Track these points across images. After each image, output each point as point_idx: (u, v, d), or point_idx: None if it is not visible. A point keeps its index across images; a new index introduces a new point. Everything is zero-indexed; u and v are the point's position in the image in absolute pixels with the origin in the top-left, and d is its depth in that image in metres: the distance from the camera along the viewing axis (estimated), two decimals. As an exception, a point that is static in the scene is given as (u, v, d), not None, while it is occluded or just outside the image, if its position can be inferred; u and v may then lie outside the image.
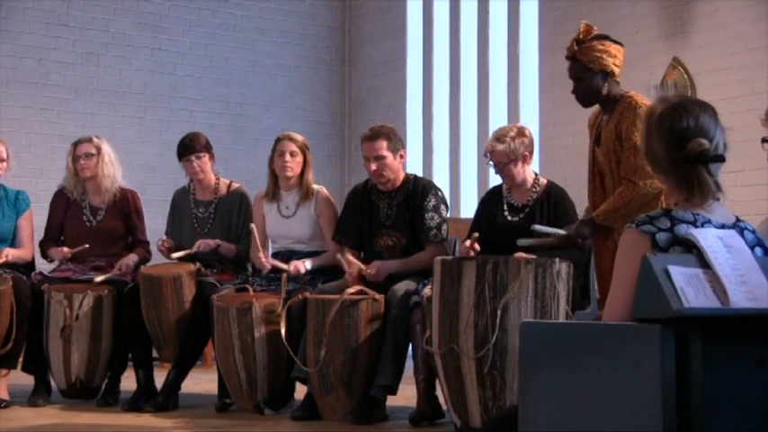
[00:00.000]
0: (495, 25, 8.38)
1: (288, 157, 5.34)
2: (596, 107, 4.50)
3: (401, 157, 5.14)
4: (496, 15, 8.38)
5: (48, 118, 8.10)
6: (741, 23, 6.68)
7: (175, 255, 5.47)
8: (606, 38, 4.36)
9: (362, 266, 4.97)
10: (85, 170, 5.65)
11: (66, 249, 5.59)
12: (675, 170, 2.50)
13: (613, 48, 4.34)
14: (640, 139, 4.13)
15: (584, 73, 4.32)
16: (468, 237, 4.93)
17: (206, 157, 5.61)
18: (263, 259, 5.27)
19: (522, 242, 4.44)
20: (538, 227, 4.48)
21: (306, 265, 5.24)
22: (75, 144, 5.72)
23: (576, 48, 4.33)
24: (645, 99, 4.28)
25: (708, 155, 2.47)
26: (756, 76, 6.54)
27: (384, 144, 5.05)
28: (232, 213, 5.64)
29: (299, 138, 5.42)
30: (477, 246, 4.68)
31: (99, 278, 5.47)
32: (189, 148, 5.60)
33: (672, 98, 2.59)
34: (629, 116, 4.23)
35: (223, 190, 5.70)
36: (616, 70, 4.33)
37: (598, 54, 4.30)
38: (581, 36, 4.33)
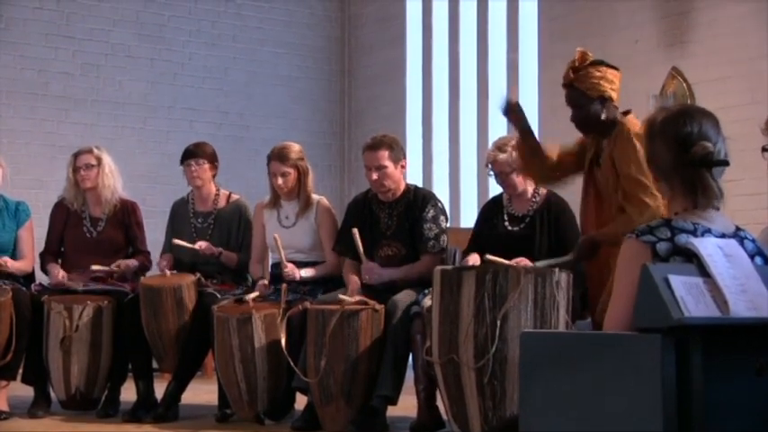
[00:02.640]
0: (495, 35, 8.39)
1: (280, 180, 5.33)
2: None
3: (402, 167, 5.14)
4: (496, 25, 8.39)
5: (48, 129, 8.11)
6: (740, 33, 6.69)
7: (177, 241, 5.51)
8: (602, 63, 4.38)
9: (363, 257, 4.96)
10: (86, 181, 5.65)
11: (61, 275, 5.57)
12: (680, 174, 2.51)
13: (610, 73, 4.35)
14: (641, 150, 4.17)
15: (582, 100, 4.34)
16: (468, 248, 4.95)
17: (206, 165, 5.62)
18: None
19: (539, 264, 4.40)
20: (541, 263, 4.43)
21: (301, 273, 5.23)
22: (76, 155, 5.72)
23: (572, 75, 4.34)
24: (637, 123, 4.28)
25: (712, 158, 2.49)
26: (756, 86, 6.54)
27: (386, 154, 5.06)
28: (231, 225, 5.65)
29: (291, 154, 5.33)
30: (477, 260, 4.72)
31: (96, 266, 5.47)
32: (191, 153, 5.63)
33: (674, 106, 2.61)
34: (620, 144, 4.24)
35: (222, 201, 5.71)
36: (614, 95, 4.35)
37: (595, 80, 4.32)
38: (577, 63, 4.35)
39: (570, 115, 4.42)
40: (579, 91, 4.33)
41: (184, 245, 5.51)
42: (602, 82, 4.31)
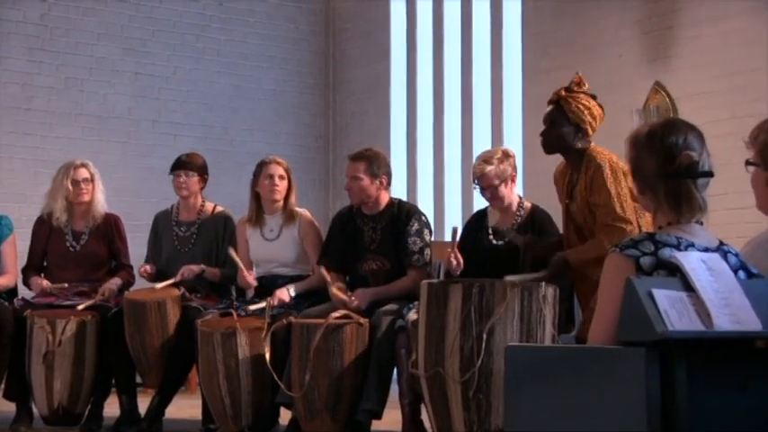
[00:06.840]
0: (479, 49, 8.42)
1: (276, 180, 5.37)
2: (562, 162, 4.56)
3: (381, 183, 5.15)
4: (480, 40, 8.42)
5: (31, 143, 8.07)
6: (722, 48, 6.74)
7: (160, 285, 5.45)
8: (594, 97, 4.44)
9: (346, 299, 4.96)
10: (84, 195, 5.64)
11: (45, 283, 5.55)
12: (665, 184, 2.52)
13: (597, 109, 4.42)
14: (611, 177, 4.26)
15: (559, 119, 4.39)
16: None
17: (195, 178, 5.63)
18: (249, 278, 5.27)
19: (509, 278, 4.41)
20: (513, 277, 4.36)
21: (290, 292, 5.23)
22: (74, 168, 5.66)
23: (563, 93, 4.38)
24: (605, 152, 4.37)
25: (697, 168, 2.50)
26: (738, 100, 6.58)
27: (362, 167, 5.11)
28: (217, 236, 5.64)
29: (284, 162, 5.47)
30: (459, 255, 4.72)
31: (82, 306, 5.43)
32: (182, 164, 5.63)
33: (658, 120, 2.63)
34: (590, 173, 4.32)
35: (207, 212, 5.71)
36: (590, 131, 4.41)
37: (581, 108, 4.38)
38: (573, 85, 4.39)
39: (541, 131, 4.47)
40: (562, 111, 4.39)
41: (168, 283, 5.45)
42: (586, 112, 4.38)
